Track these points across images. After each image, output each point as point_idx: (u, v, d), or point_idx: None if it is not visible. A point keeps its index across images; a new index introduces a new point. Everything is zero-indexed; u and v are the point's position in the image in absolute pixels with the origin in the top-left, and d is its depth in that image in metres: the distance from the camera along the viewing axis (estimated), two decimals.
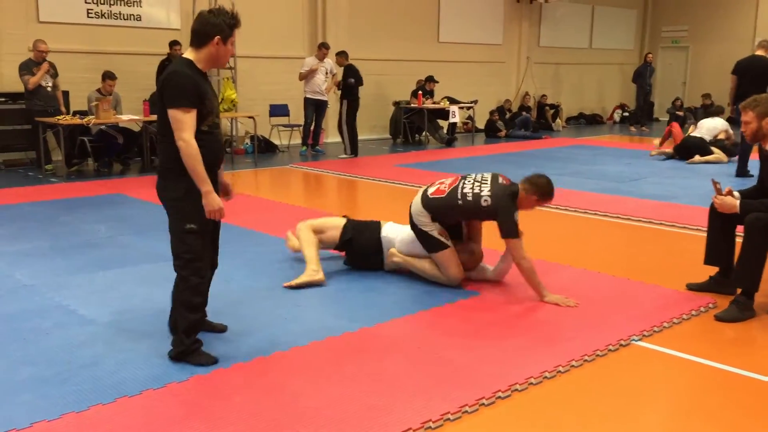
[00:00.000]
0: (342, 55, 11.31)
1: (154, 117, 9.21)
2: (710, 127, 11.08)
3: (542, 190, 4.33)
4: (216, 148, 3.35)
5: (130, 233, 5.90)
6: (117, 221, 6.33)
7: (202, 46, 3.24)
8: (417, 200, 4.56)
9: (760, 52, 9.20)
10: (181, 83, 3.13)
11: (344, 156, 11.27)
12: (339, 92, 11.52)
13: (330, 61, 11.44)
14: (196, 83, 3.17)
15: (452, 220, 4.54)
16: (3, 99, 9.49)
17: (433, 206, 4.46)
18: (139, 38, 10.83)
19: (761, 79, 8.81)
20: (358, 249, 4.83)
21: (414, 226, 4.55)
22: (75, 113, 9.22)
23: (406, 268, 4.74)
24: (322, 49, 11.35)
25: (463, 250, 4.59)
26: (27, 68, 9.02)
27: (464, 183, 4.47)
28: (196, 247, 3.28)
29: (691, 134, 11.12)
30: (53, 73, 9.27)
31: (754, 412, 2.97)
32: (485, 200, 4.33)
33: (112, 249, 5.39)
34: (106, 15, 10.55)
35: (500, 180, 4.44)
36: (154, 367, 3.26)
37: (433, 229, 4.47)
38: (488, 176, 4.49)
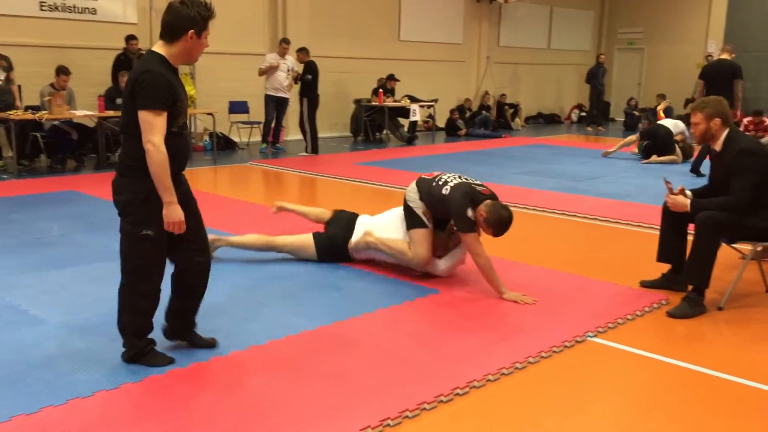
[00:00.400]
0: (303, 51, 11.25)
1: (110, 113, 9.19)
2: (673, 123, 11.29)
3: (496, 221, 4.31)
4: (184, 151, 3.19)
5: (84, 231, 5.78)
6: (70, 219, 6.20)
7: (174, 40, 3.07)
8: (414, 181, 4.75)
9: (724, 56, 9.43)
10: (155, 84, 2.96)
11: (305, 154, 11.22)
12: (297, 84, 11.44)
13: (291, 58, 11.37)
14: (170, 84, 3.01)
15: (431, 206, 4.58)
16: None
17: (421, 185, 4.62)
18: (94, 32, 10.60)
19: (728, 82, 9.05)
20: (329, 235, 4.95)
21: (405, 202, 4.67)
22: (27, 108, 8.99)
23: (374, 252, 4.83)
24: (283, 44, 11.28)
25: (441, 243, 4.67)
26: None
27: (450, 174, 4.61)
28: (149, 254, 3.14)
29: (661, 122, 11.27)
30: (6, 66, 9.01)
31: (704, 405, 3.05)
32: (446, 189, 4.44)
33: (65, 247, 5.27)
34: (60, 8, 10.29)
35: (479, 187, 4.48)
36: (107, 368, 3.20)
37: (419, 207, 4.58)
38: (472, 179, 4.58)
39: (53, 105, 8.62)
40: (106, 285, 4.35)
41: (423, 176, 4.71)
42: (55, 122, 8.97)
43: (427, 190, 4.56)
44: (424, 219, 4.56)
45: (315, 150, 11.29)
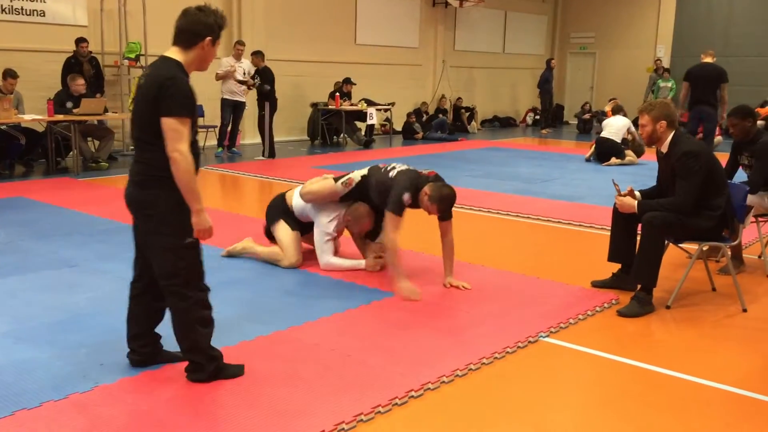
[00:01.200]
0: (258, 55, 11.13)
1: (59, 117, 8.97)
2: (618, 126, 11.47)
3: (438, 197, 4.45)
4: (198, 161, 3.05)
5: (32, 238, 5.63)
6: (18, 226, 6.03)
7: (191, 46, 2.98)
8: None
9: (707, 59, 9.67)
10: (183, 91, 2.89)
11: (261, 158, 11.13)
12: (250, 91, 11.33)
13: (247, 61, 11.28)
14: (192, 92, 2.95)
15: (379, 194, 4.66)
16: None
17: (373, 171, 4.79)
18: (43, 35, 10.34)
19: (713, 85, 9.31)
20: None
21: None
22: None
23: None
24: (238, 46, 11.17)
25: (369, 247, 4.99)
26: None
27: (401, 165, 4.78)
28: (197, 261, 3.06)
29: (601, 136, 11.51)
30: None
31: (654, 402, 3.12)
32: (393, 173, 4.63)
33: (12, 255, 5.13)
34: (6, 10, 10.02)
35: (424, 172, 4.68)
36: (54, 378, 3.12)
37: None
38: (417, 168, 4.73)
39: (0, 109, 8.38)
40: (55, 293, 4.28)
41: (378, 165, 4.87)
42: (2, 127, 8.72)
43: (377, 176, 4.70)
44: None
45: (272, 154, 11.22)
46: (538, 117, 19.01)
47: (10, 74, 8.94)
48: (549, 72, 16.99)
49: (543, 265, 5.24)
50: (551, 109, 17.61)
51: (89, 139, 9.96)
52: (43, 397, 2.94)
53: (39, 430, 2.69)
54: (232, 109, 11.32)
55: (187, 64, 3.01)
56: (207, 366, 3.11)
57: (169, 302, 3.11)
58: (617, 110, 12.11)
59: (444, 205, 4.48)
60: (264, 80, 10.94)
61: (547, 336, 3.83)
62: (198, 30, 2.98)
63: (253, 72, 11.21)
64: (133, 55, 11.02)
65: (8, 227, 5.96)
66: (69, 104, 9.37)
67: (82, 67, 10.08)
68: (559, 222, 6.73)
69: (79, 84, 9.51)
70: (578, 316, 4.11)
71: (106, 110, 9.77)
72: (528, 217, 6.94)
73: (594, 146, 11.51)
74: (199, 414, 2.85)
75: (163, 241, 3.00)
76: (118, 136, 11.06)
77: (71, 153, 9.55)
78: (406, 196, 4.41)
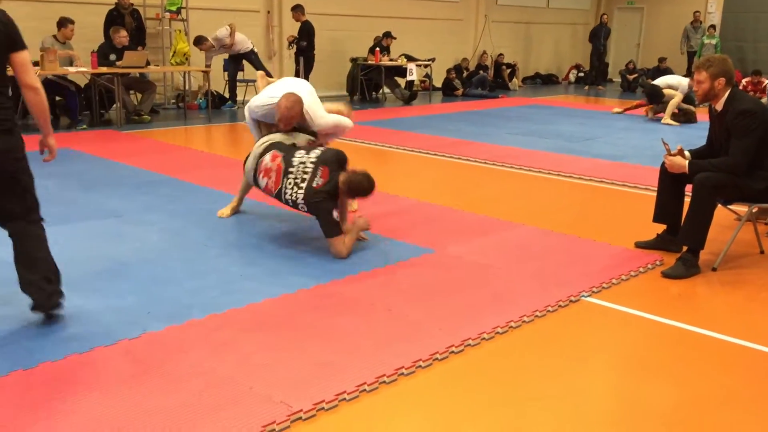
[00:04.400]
0: (298, 9, 10.99)
1: (102, 69, 9.04)
2: (676, 78, 11.15)
3: (352, 187, 4.24)
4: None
5: (79, 189, 5.75)
6: (65, 177, 6.15)
7: None
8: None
9: None
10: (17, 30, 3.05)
11: None
12: (291, 49, 11.24)
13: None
14: None
15: None
16: None
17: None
18: None
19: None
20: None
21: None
22: None
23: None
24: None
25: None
26: None
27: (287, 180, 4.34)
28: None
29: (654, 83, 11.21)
30: None
31: (697, 365, 3.08)
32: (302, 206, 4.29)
33: (61, 205, 5.24)
34: None
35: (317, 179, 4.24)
36: (104, 324, 3.21)
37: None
38: (307, 176, 4.26)
39: (45, 61, 8.48)
40: (101, 242, 4.37)
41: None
42: (52, 77, 8.81)
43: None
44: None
45: None
46: (581, 74, 18.58)
47: (69, 21, 9.01)
48: (599, 27, 16.53)
49: (585, 224, 5.17)
50: (597, 67, 17.16)
51: (131, 92, 10.04)
52: (94, 342, 3.02)
53: (89, 374, 2.77)
54: (233, 61, 11.26)
55: None
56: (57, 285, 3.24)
57: (31, 232, 3.23)
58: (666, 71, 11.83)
59: (359, 191, 4.27)
60: (301, 36, 10.80)
61: (589, 296, 3.79)
62: None
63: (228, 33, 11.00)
64: (174, 8, 11.02)
65: (56, 178, 6.08)
66: (112, 57, 9.43)
67: (124, 20, 10.11)
68: (602, 181, 6.61)
69: (122, 36, 9.55)
70: (621, 277, 4.06)
71: (147, 63, 9.82)
72: (570, 176, 6.83)
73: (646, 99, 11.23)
74: (239, 364, 2.89)
75: (26, 181, 3.15)
76: (160, 89, 11.13)
77: (114, 105, 9.66)
78: (335, 213, 4.32)
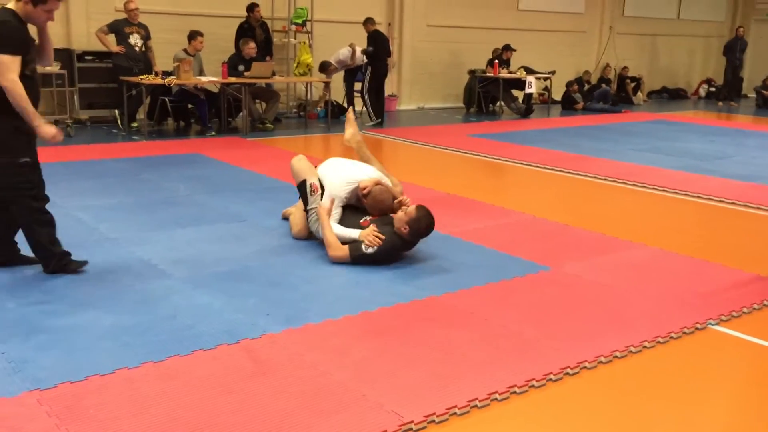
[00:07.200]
0: (369, 21, 11.09)
1: (231, 79, 9.51)
2: None
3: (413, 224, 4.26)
4: (35, 92, 3.69)
5: (207, 192, 6.07)
6: (195, 180, 6.51)
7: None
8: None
9: None
10: (8, 32, 3.50)
11: (371, 123, 11.09)
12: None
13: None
14: (21, 33, 3.57)
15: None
16: (90, 57, 9.78)
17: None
18: (220, 1, 10.97)
19: None
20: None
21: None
22: (163, 74, 9.38)
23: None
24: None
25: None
26: (115, 28, 9.31)
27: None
28: (33, 177, 3.74)
29: None
30: (145, 35, 9.52)
31: None
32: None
33: (191, 207, 5.55)
34: None
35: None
36: (227, 323, 3.37)
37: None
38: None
39: (180, 71, 9.03)
40: (226, 244, 4.59)
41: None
42: (185, 87, 9.37)
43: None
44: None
45: (379, 117, 11.14)
46: (713, 89, 17.62)
47: (198, 33, 9.56)
48: (735, 40, 15.63)
49: (714, 248, 4.90)
50: (731, 82, 16.20)
51: (257, 101, 10.50)
52: (218, 340, 3.18)
53: (215, 369, 2.91)
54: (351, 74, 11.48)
55: (21, 14, 3.60)
56: (49, 260, 3.86)
57: (12, 210, 3.78)
58: None
59: (420, 231, 4.34)
60: (369, 44, 10.90)
61: (717, 324, 3.59)
62: None
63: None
64: (300, 20, 11.41)
65: (187, 182, 6.45)
66: (241, 67, 9.90)
67: (254, 32, 10.59)
68: (733, 203, 6.24)
69: (251, 48, 10.01)
70: (753, 306, 3.81)
71: (273, 73, 10.22)
72: (698, 196, 6.49)
73: None
74: (354, 370, 2.95)
75: (2, 161, 3.63)
76: (283, 98, 11.57)
77: (241, 114, 10.13)
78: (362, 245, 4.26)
